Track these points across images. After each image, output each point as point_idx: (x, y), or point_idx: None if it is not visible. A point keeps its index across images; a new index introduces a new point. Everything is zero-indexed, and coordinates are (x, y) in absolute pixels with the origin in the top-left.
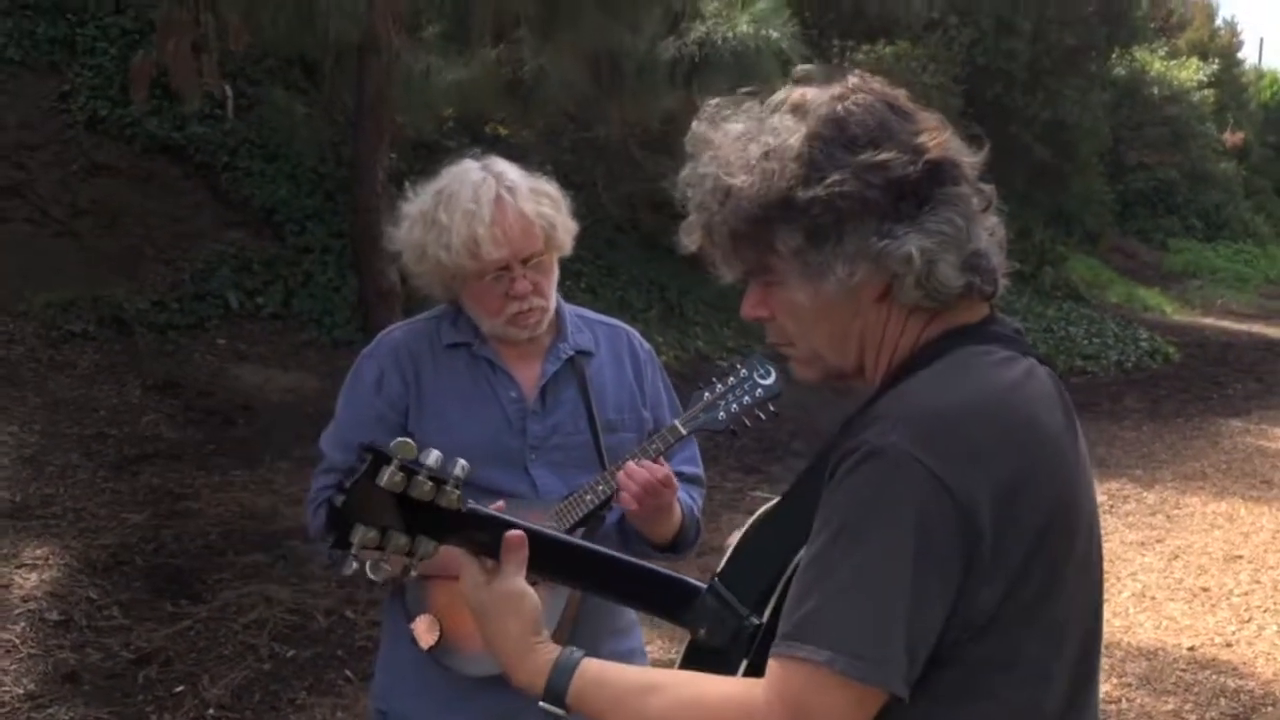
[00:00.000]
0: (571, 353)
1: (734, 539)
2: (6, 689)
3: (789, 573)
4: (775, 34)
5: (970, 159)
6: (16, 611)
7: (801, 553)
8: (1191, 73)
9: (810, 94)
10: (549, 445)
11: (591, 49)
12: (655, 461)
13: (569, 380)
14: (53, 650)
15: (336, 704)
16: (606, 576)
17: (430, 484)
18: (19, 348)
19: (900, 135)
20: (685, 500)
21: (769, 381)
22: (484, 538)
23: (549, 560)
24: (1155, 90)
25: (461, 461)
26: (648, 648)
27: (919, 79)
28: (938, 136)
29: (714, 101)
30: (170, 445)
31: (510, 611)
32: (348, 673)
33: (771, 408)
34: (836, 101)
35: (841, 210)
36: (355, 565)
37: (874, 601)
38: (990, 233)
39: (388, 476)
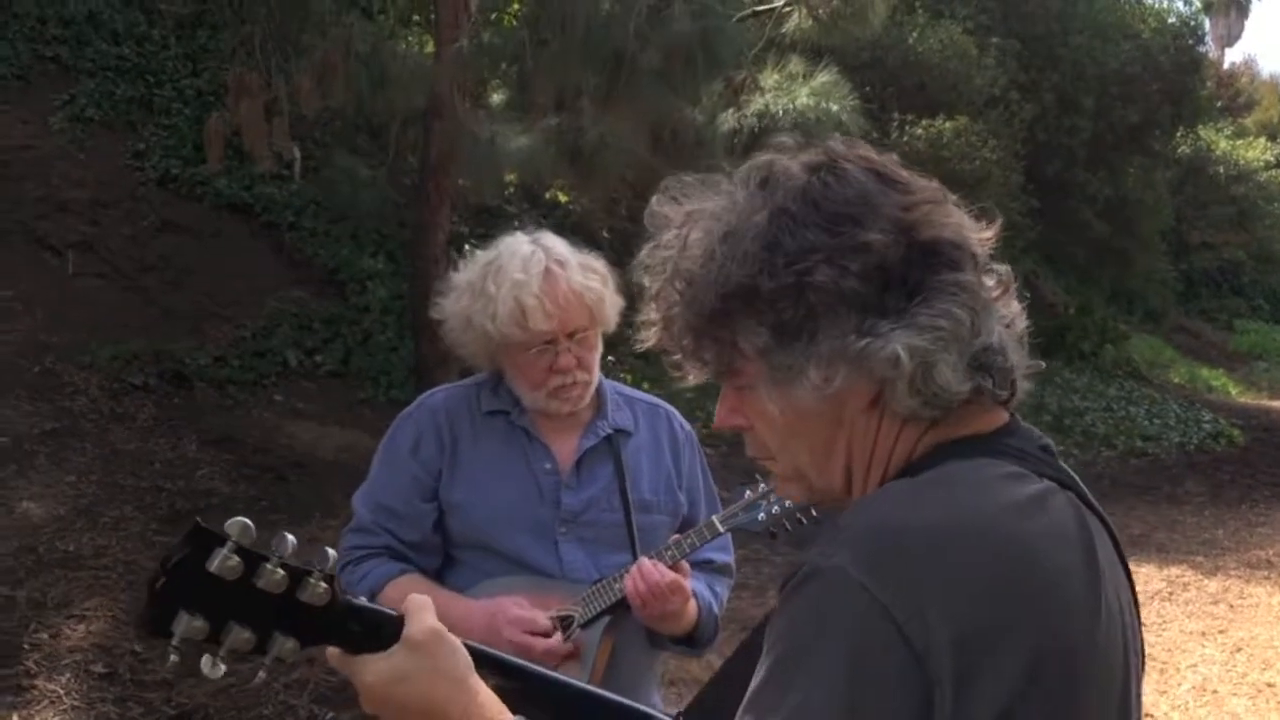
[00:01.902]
0: (610, 430)
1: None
2: None
3: None
4: (835, 107)
5: (978, 235)
6: (64, 662)
7: None
8: (1259, 152)
9: (782, 164)
10: (581, 521)
11: (651, 119)
12: (684, 558)
13: (605, 458)
14: (95, 703)
15: None
16: (557, 702)
17: (281, 573)
18: (82, 399)
19: (886, 210)
20: (704, 595)
21: None
22: (365, 637)
23: (507, 686)
24: (1221, 169)
25: (330, 551)
26: None
27: (979, 154)
28: (933, 211)
29: (679, 177)
30: (223, 500)
31: (440, 654)
32: None
33: (814, 513)
34: (811, 172)
35: (813, 303)
36: (175, 659)
37: None
38: (1008, 324)
39: (219, 561)
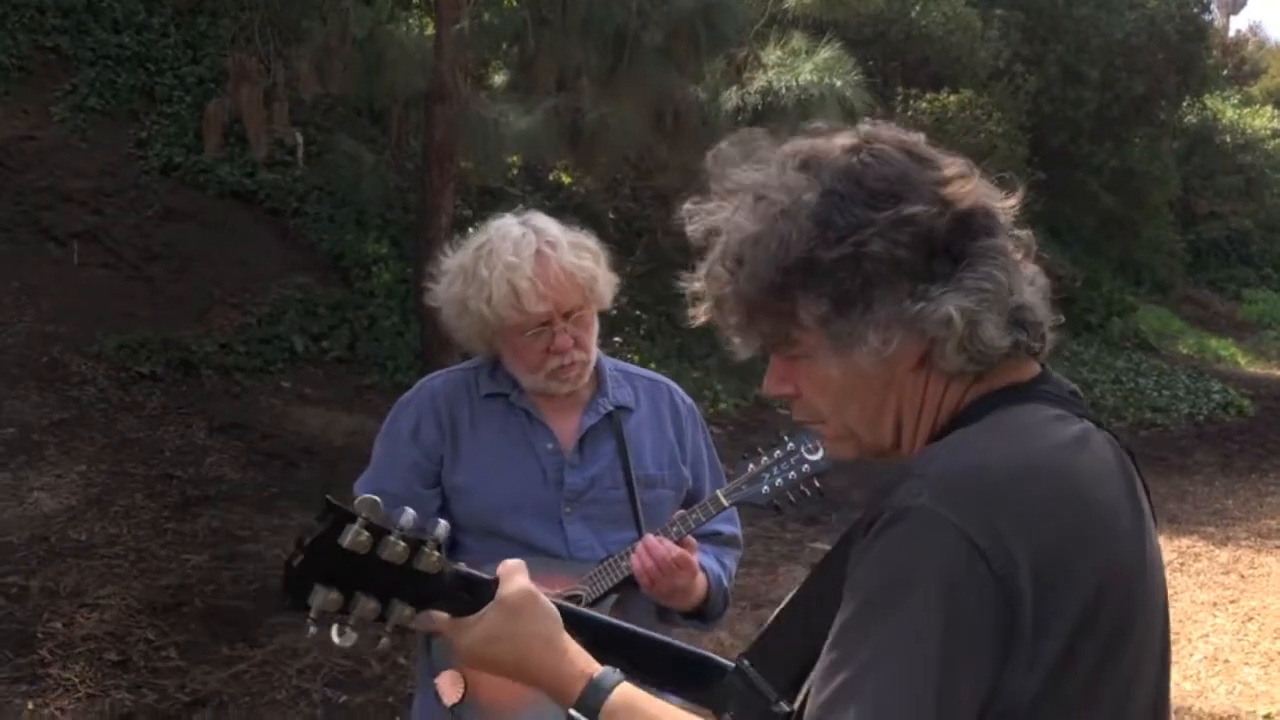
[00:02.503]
0: (611, 407)
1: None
2: None
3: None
4: (839, 83)
5: (1004, 204)
6: (77, 650)
7: None
8: (1266, 120)
9: (820, 146)
10: (585, 499)
11: (654, 98)
12: (690, 533)
13: (607, 435)
14: (109, 690)
15: None
16: (629, 652)
17: (403, 545)
18: (90, 388)
19: (923, 186)
20: (713, 569)
21: (816, 457)
22: (470, 603)
23: (592, 640)
24: (1228, 138)
25: (442, 521)
26: None
27: (984, 127)
28: (965, 184)
29: (724, 145)
30: (232, 487)
31: (531, 616)
32: None
33: (817, 484)
34: (850, 154)
35: (869, 273)
36: (314, 630)
37: (899, 684)
38: (1031, 282)
39: (351, 536)
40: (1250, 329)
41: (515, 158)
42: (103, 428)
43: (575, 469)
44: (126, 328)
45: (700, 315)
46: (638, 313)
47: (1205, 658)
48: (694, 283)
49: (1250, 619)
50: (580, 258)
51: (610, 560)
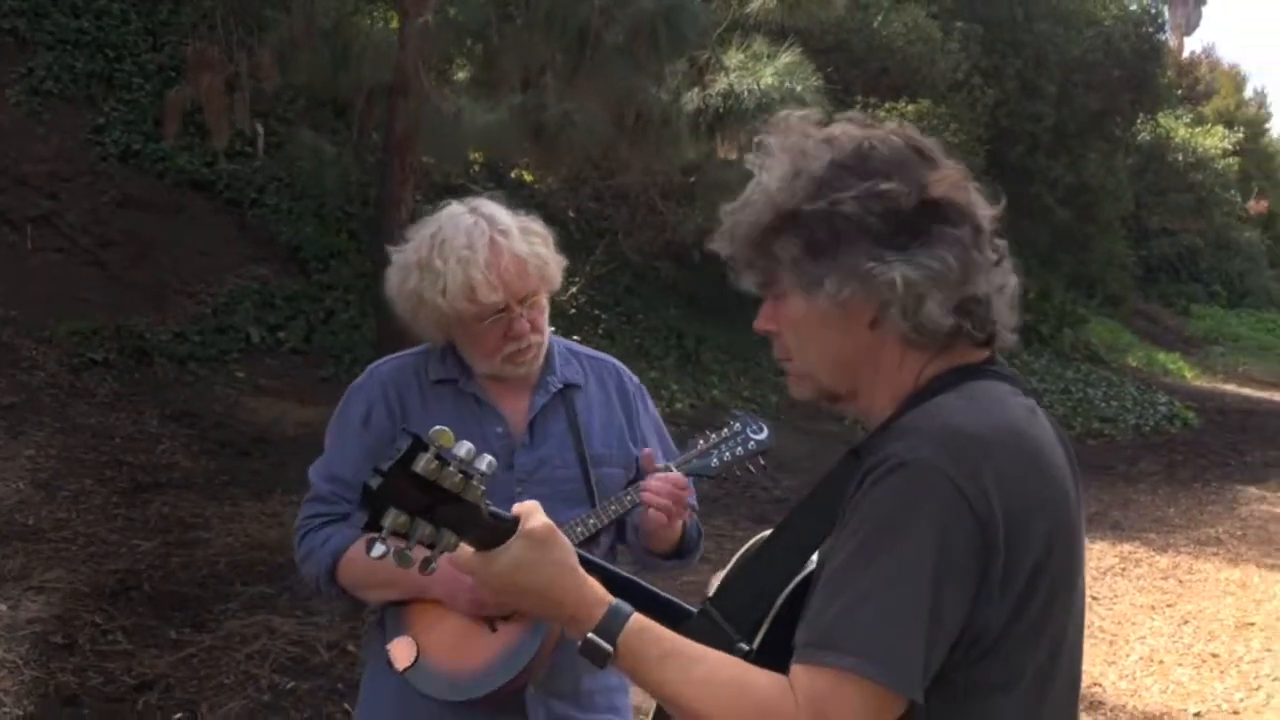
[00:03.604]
0: (560, 385)
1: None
2: (6, 710)
3: (780, 602)
4: (799, 88)
5: (986, 211)
6: (21, 633)
7: (794, 582)
8: (1217, 140)
9: (847, 129)
10: (536, 479)
11: (616, 98)
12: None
13: (557, 413)
14: (55, 673)
15: None
16: (608, 589)
17: (460, 476)
18: (41, 373)
19: (912, 173)
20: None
21: (761, 436)
22: (495, 539)
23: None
24: (1180, 157)
25: (489, 457)
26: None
27: (941, 138)
28: (949, 179)
29: (784, 114)
30: (184, 475)
31: (552, 546)
32: (346, 706)
33: (762, 461)
34: (866, 138)
35: (838, 229)
36: (382, 549)
37: (896, 609)
38: (999, 289)
39: (423, 463)
40: (1197, 344)
41: (478, 154)
42: (53, 413)
43: (525, 449)
44: (80, 314)
45: (722, 248)
46: (596, 312)
47: (1141, 658)
48: (723, 218)
49: (1186, 622)
50: (531, 244)
51: (563, 528)
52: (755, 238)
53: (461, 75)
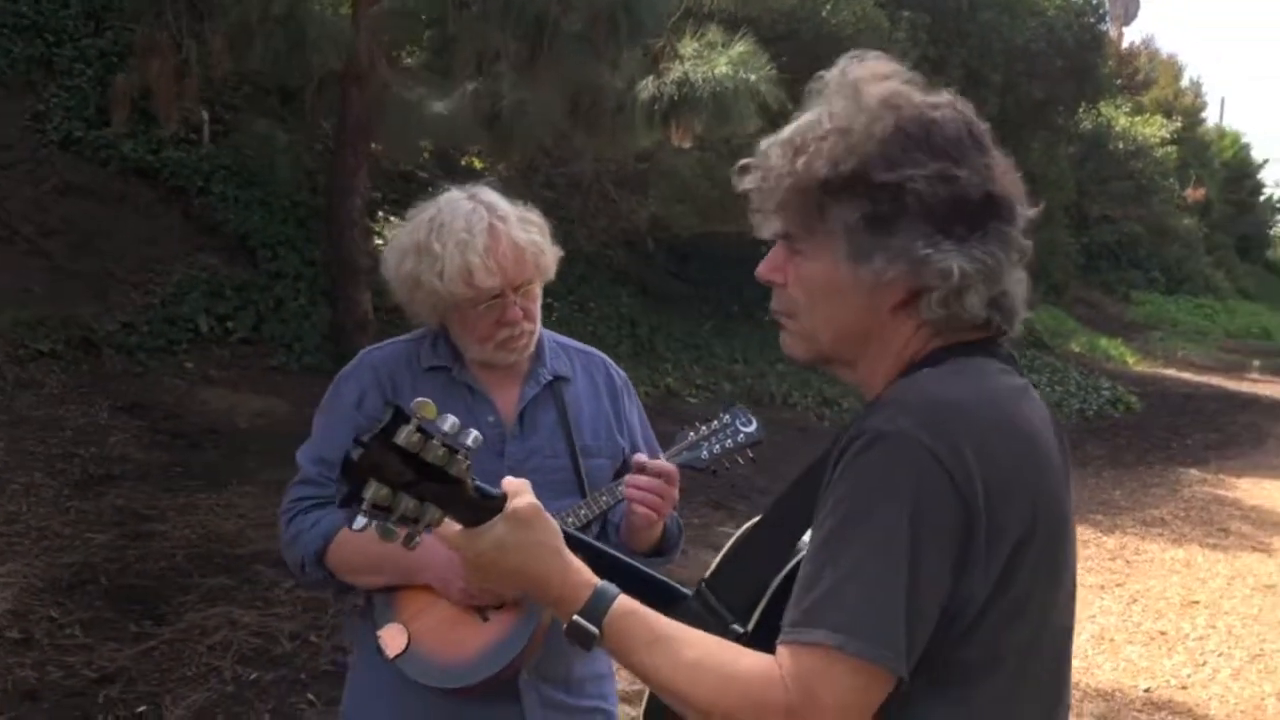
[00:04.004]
0: (550, 378)
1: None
2: None
3: (774, 585)
4: (753, 77)
5: (1026, 212)
6: None
7: (789, 566)
8: (1155, 129)
9: (905, 93)
10: (526, 469)
11: (572, 86)
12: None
13: (547, 405)
14: (13, 668)
15: None
16: (603, 572)
17: (444, 450)
18: None
19: (973, 160)
20: None
21: (751, 429)
22: (482, 516)
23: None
24: (1120, 145)
25: (475, 433)
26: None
27: None
28: (1005, 175)
29: (842, 66)
30: (136, 466)
31: (537, 527)
32: (310, 696)
33: (750, 454)
34: (930, 108)
35: (904, 205)
36: (364, 522)
37: (879, 585)
38: (1019, 281)
39: (405, 435)
40: (1138, 329)
41: (427, 142)
42: (0, 405)
43: (516, 439)
44: (23, 304)
45: (747, 184)
46: (550, 300)
47: (1092, 637)
48: (756, 154)
49: (1134, 601)
50: (529, 232)
51: (576, 505)
52: (803, 188)
53: (410, 61)
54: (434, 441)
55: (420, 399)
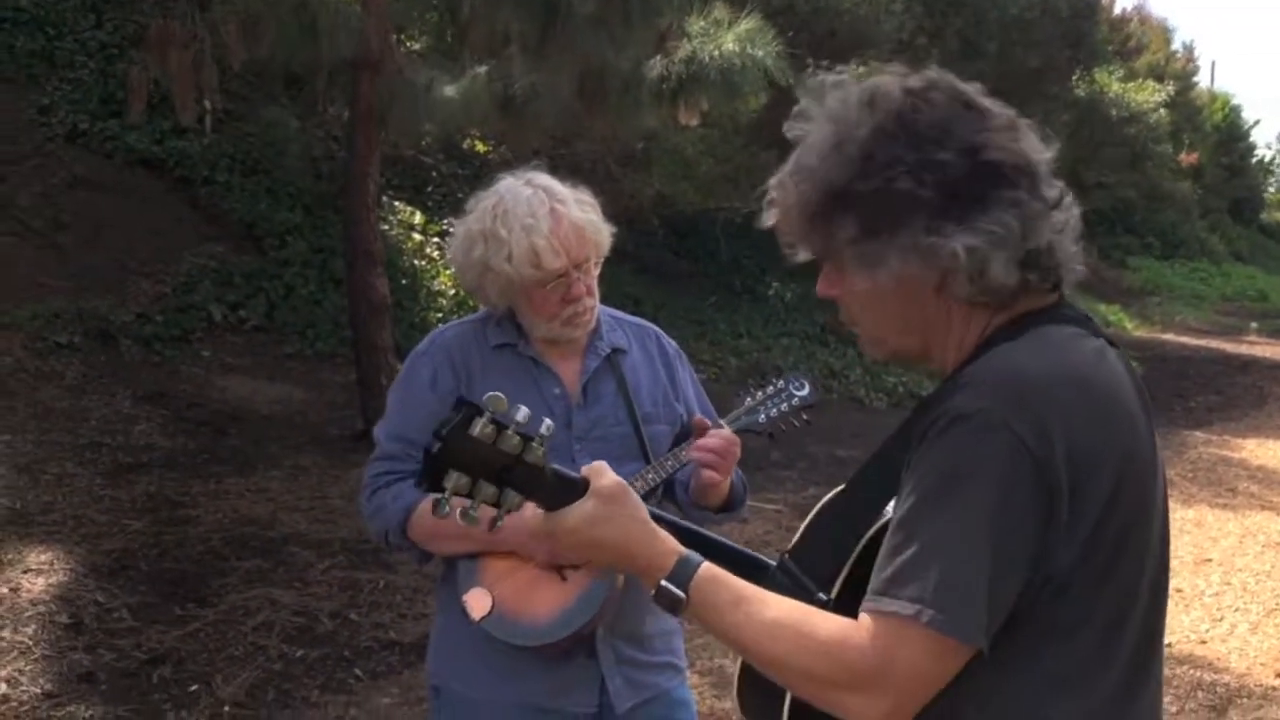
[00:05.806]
0: (608, 350)
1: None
2: (25, 689)
3: (856, 553)
4: (760, 53)
5: (1041, 155)
6: (27, 614)
7: (869, 534)
8: (1149, 94)
9: (885, 86)
10: (592, 437)
11: (584, 67)
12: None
13: (607, 376)
14: (66, 652)
15: (350, 701)
16: (683, 543)
17: (518, 439)
18: (6, 359)
19: (963, 134)
20: None
21: (804, 393)
22: (562, 498)
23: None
24: (1114, 111)
25: (547, 420)
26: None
27: None
28: (1001, 136)
29: (821, 78)
30: (164, 454)
31: (625, 501)
32: (357, 671)
33: (805, 417)
34: (908, 96)
35: (894, 206)
36: (447, 510)
37: (959, 559)
38: (1060, 230)
39: (479, 428)
40: (1136, 295)
41: (434, 125)
42: (24, 397)
43: (581, 409)
44: (39, 297)
45: (769, 219)
46: None
47: None
48: (770, 190)
49: None
50: (585, 212)
51: (644, 470)
52: (807, 215)
53: (416, 45)
54: (508, 432)
55: (492, 393)
